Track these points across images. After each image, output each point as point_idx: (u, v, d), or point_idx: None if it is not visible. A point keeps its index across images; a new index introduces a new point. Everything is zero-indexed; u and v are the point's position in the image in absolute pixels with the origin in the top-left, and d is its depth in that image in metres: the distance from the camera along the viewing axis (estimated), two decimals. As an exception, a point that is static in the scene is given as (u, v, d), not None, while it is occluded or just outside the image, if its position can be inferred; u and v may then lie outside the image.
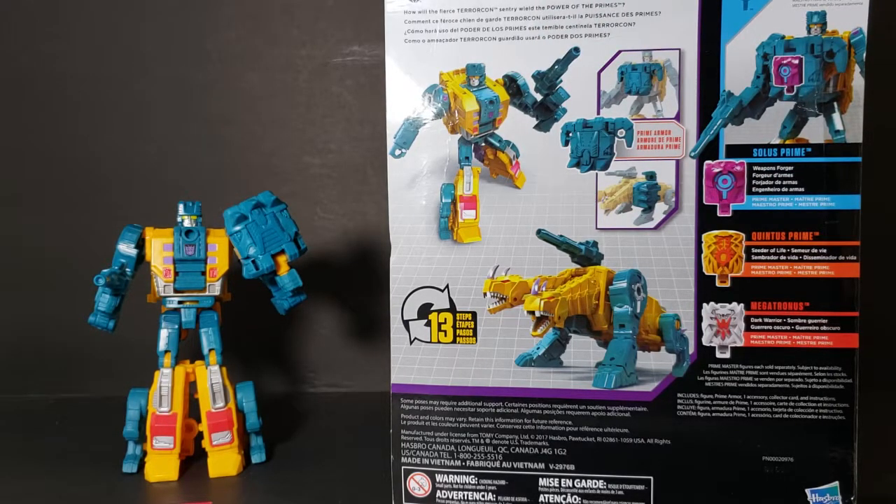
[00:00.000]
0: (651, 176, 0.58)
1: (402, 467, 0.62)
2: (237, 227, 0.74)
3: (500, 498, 0.62)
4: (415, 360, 0.62)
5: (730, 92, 0.57)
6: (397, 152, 0.60)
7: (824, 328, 0.58)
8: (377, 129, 0.62)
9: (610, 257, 0.59)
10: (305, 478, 0.74)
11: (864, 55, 0.56)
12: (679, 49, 0.57)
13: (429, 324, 0.61)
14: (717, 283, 0.58)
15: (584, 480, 0.61)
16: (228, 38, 1.01)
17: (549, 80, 0.58)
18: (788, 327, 0.58)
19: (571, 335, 0.60)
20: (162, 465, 0.74)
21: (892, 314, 0.89)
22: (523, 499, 0.61)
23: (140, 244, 0.76)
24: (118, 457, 0.76)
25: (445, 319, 0.61)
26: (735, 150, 0.57)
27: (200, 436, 0.76)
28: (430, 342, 0.61)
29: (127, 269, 0.75)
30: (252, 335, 0.96)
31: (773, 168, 0.57)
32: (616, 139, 0.59)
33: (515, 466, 0.61)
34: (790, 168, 0.57)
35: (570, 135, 0.59)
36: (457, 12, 0.59)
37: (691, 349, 0.59)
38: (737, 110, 0.57)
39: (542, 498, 0.61)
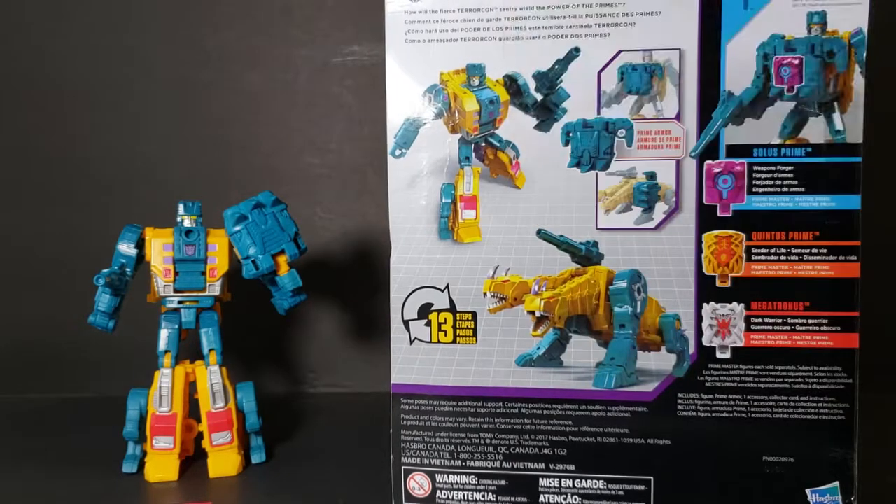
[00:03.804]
0: (651, 176, 0.58)
1: (402, 467, 0.62)
2: (237, 227, 0.74)
3: (500, 498, 0.62)
4: (415, 360, 0.62)
5: (730, 92, 0.57)
6: (397, 152, 0.60)
7: (824, 328, 0.57)
8: (377, 129, 0.62)
9: (610, 257, 0.59)
10: (305, 478, 0.74)
11: (864, 55, 0.56)
12: (679, 49, 0.57)
13: (429, 324, 0.61)
14: (718, 283, 0.58)
15: (584, 480, 0.61)
16: (228, 38, 1.01)
17: (549, 80, 0.58)
18: (788, 327, 0.58)
19: (571, 335, 0.60)
20: (162, 465, 0.74)
21: (892, 314, 0.89)
22: (523, 499, 0.61)
23: (140, 244, 0.76)
24: (118, 457, 0.76)
25: (445, 319, 0.61)
26: (735, 150, 0.57)
27: (200, 436, 0.76)
28: (430, 342, 0.61)
29: (127, 269, 0.75)
30: (252, 335, 0.96)
31: (774, 168, 0.57)
32: (616, 139, 0.58)
33: (515, 466, 0.61)
34: (790, 168, 0.57)
35: (571, 135, 0.59)
36: (457, 12, 0.59)
37: (691, 349, 0.59)
38: (737, 110, 0.57)
39: (542, 498, 0.61)
